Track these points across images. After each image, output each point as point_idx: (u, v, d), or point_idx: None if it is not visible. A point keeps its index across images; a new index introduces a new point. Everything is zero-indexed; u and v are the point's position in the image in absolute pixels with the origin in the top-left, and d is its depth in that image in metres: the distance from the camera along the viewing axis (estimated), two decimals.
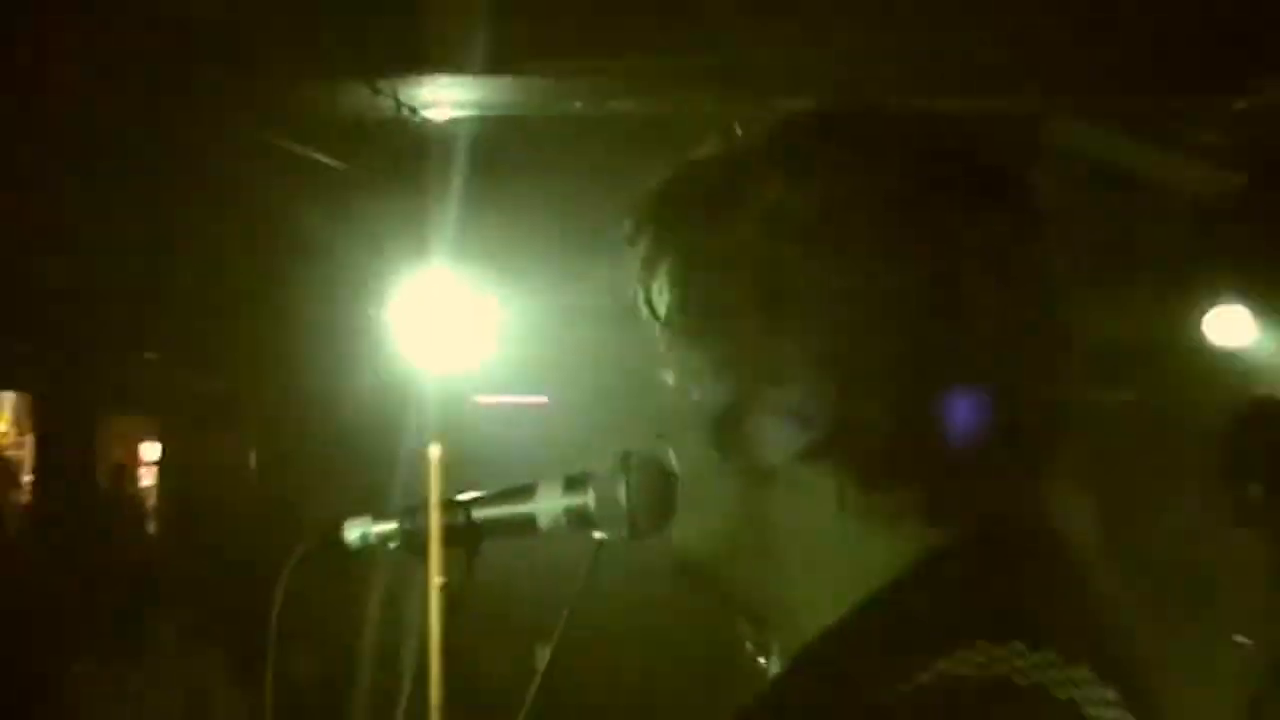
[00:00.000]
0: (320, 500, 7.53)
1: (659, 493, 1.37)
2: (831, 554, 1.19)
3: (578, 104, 5.72)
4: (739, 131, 1.26)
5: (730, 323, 1.19)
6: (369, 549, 1.62)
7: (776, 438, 1.18)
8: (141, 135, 5.77)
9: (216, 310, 7.34)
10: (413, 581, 1.61)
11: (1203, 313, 6.79)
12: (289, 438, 7.74)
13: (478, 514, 1.57)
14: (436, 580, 1.62)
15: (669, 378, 1.27)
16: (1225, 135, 5.06)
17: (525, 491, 1.54)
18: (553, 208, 6.53)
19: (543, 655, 1.57)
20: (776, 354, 1.17)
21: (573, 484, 1.51)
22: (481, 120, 5.75)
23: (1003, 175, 1.20)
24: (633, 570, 1.66)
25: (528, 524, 1.54)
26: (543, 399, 9.10)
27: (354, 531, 1.61)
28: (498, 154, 5.77)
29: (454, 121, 5.71)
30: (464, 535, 1.58)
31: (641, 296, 1.26)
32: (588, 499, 1.50)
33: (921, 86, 4.95)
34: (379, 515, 1.61)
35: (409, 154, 5.83)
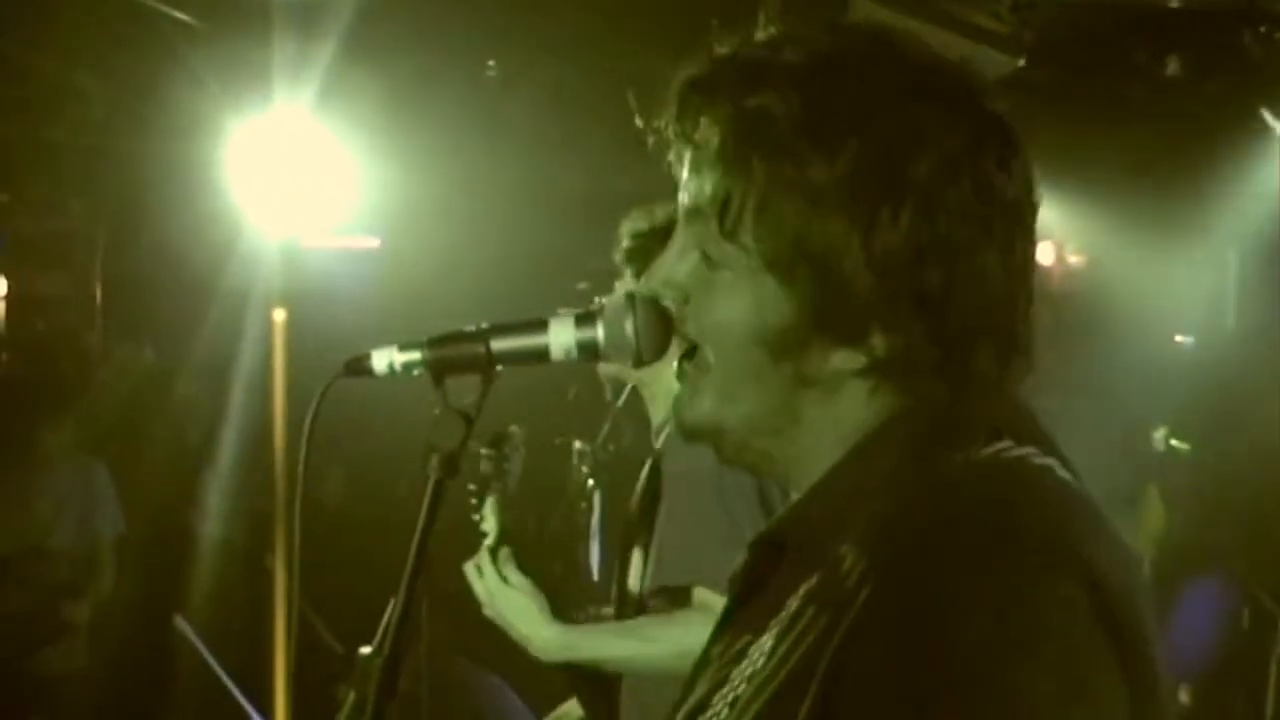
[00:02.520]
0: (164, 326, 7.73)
1: (660, 328, 1.51)
2: (844, 435, 1.34)
3: None
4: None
5: (816, 259, 1.28)
6: (394, 375, 1.68)
7: (838, 355, 1.30)
8: None
9: (62, 152, 7.40)
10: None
11: None
12: (133, 275, 7.89)
13: (495, 345, 1.64)
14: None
15: (711, 261, 1.35)
16: (1004, 23, 5.55)
17: (538, 325, 1.64)
18: (394, 61, 6.73)
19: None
20: (855, 293, 1.27)
21: (583, 319, 1.62)
22: None
23: (1014, 139, 1.31)
24: None
25: (541, 354, 1.64)
26: (375, 242, 9.10)
27: (381, 359, 1.68)
28: (351, 17, 5.91)
29: None
30: (481, 363, 1.65)
31: (706, 190, 1.33)
32: (597, 332, 1.61)
33: None
34: (404, 345, 1.67)
35: (260, 13, 5.96)
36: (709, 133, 1.33)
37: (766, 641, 1.28)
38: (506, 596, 2.99)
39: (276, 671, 5.39)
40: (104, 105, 7.10)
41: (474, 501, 3.10)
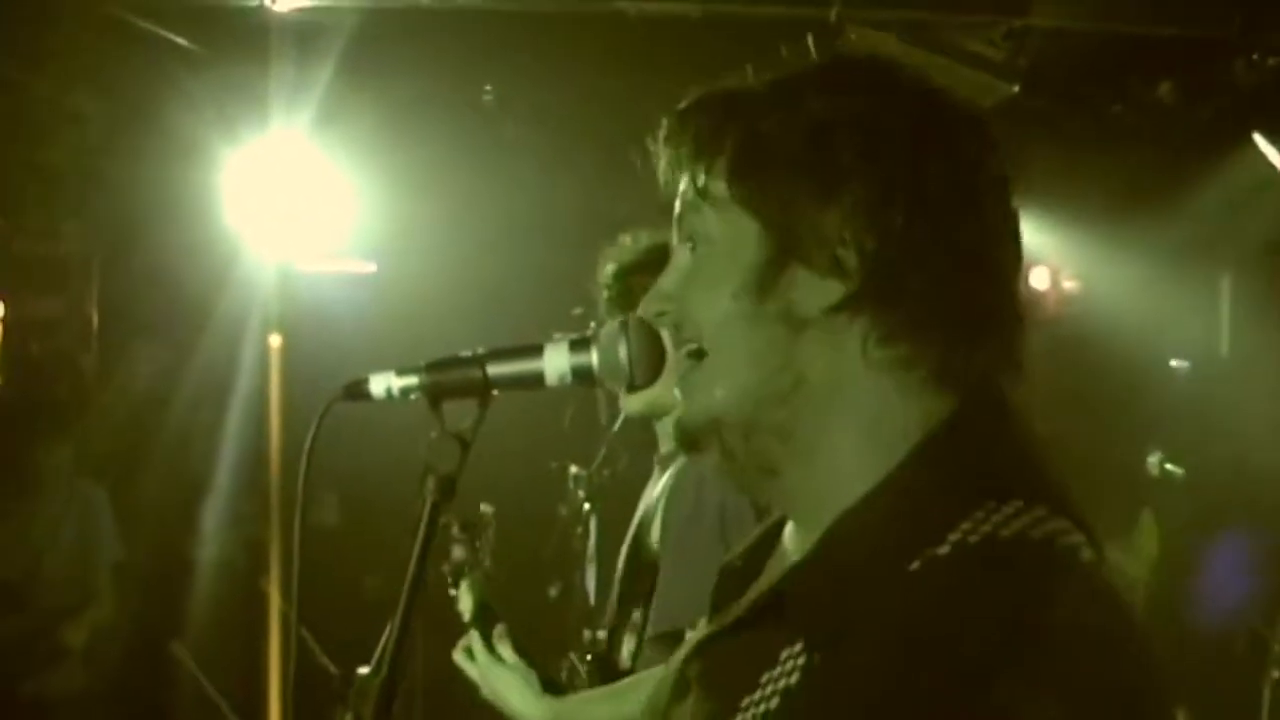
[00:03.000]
0: (159, 351, 7.73)
1: (653, 352, 1.56)
2: (851, 401, 1.33)
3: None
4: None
5: (787, 190, 1.32)
6: (391, 400, 1.70)
7: (818, 287, 1.32)
8: None
9: (58, 175, 7.41)
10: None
11: None
12: (129, 299, 7.89)
13: (491, 370, 1.66)
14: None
15: (696, 241, 1.39)
16: (998, 49, 5.59)
17: (533, 350, 1.67)
18: (390, 86, 6.75)
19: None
20: (823, 217, 1.31)
21: (578, 345, 1.65)
22: (331, 11, 5.89)
23: (975, 115, 1.39)
24: None
25: (536, 379, 1.66)
26: (371, 267, 9.00)
27: (379, 384, 1.70)
28: (348, 43, 5.93)
29: (304, 10, 5.84)
30: (477, 387, 1.66)
31: (686, 167, 1.38)
32: (591, 357, 1.64)
33: None
34: (402, 370, 1.69)
35: (257, 38, 5.98)
36: (690, 133, 1.39)
37: (760, 702, 1.27)
38: (498, 675, 3.02)
39: (271, 695, 5.38)
40: (100, 129, 7.10)
41: (450, 582, 3.14)
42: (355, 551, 6.27)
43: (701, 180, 1.36)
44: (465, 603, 3.10)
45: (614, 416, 5.21)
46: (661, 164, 1.42)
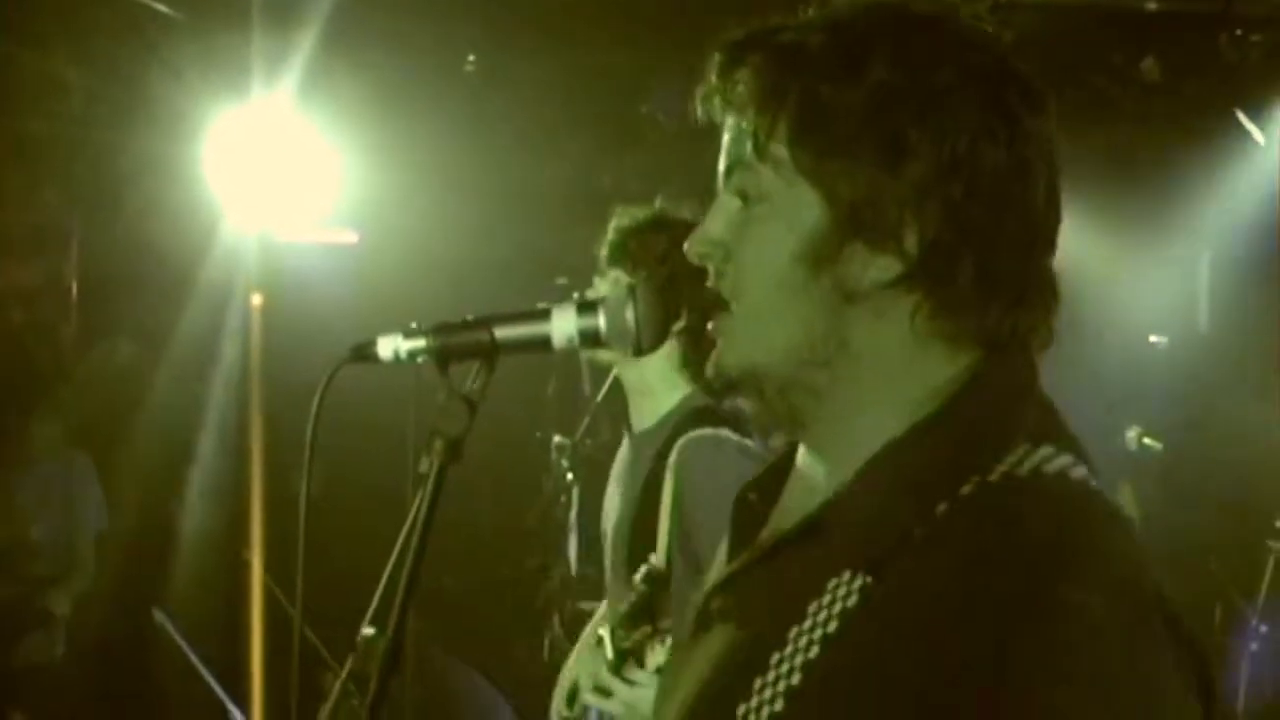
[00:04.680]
0: (138, 319, 7.71)
1: (660, 317, 1.58)
2: (893, 369, 1.35)
3: None
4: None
5: (850, 163, 1.31)
6: (399, 362, 1.69)
7: (874, 263, 1.33)
8: None
9: (39, 144, 7.37)
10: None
11: None
12: (109, 268, 7.87)
13: (499, 332, 1.66)
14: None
15: (750, 198, 1.38)
16: (983, 24, 5.58)
17: (541, 314, 1.66)
18: (374, 54, 6.73)
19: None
20: (885, 194, 1.31)
21: (585, 308, 1.65)
22: None
23: (1032, 80, 1.37)
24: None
25: (544, 342, 1.67)
26: (353, 236, 8.85)
27: (386, 346, 1.69)
28: (330, 10, 5.92)
29: None
30: (485, 350, 1.66)
31: (747, 126, 1.37)
32: (599, 321, 1.65)
33: None
34: (409, 332, 1.67)
35: (239, 6, 5.96)
36: (746, 80, 1.37)
37: (814, 629, 1.28)
38: (642, 698, 2.93)
39: (254, 661, 5.39)
40: (82, 97, 7.07)
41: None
42: (339, 521, 6.27)
43: (761, 139, 1.35)
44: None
45: (597, 386, 5.22)
46: (705, 95, 1.41)
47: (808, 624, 1.28)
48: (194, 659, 4.47)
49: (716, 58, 1.39)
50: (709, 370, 1.43)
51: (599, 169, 7.61)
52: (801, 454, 1.45)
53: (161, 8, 6.15)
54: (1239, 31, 6.02)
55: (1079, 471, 1.31)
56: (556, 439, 6.63)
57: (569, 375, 7.14)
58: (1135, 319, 8.24)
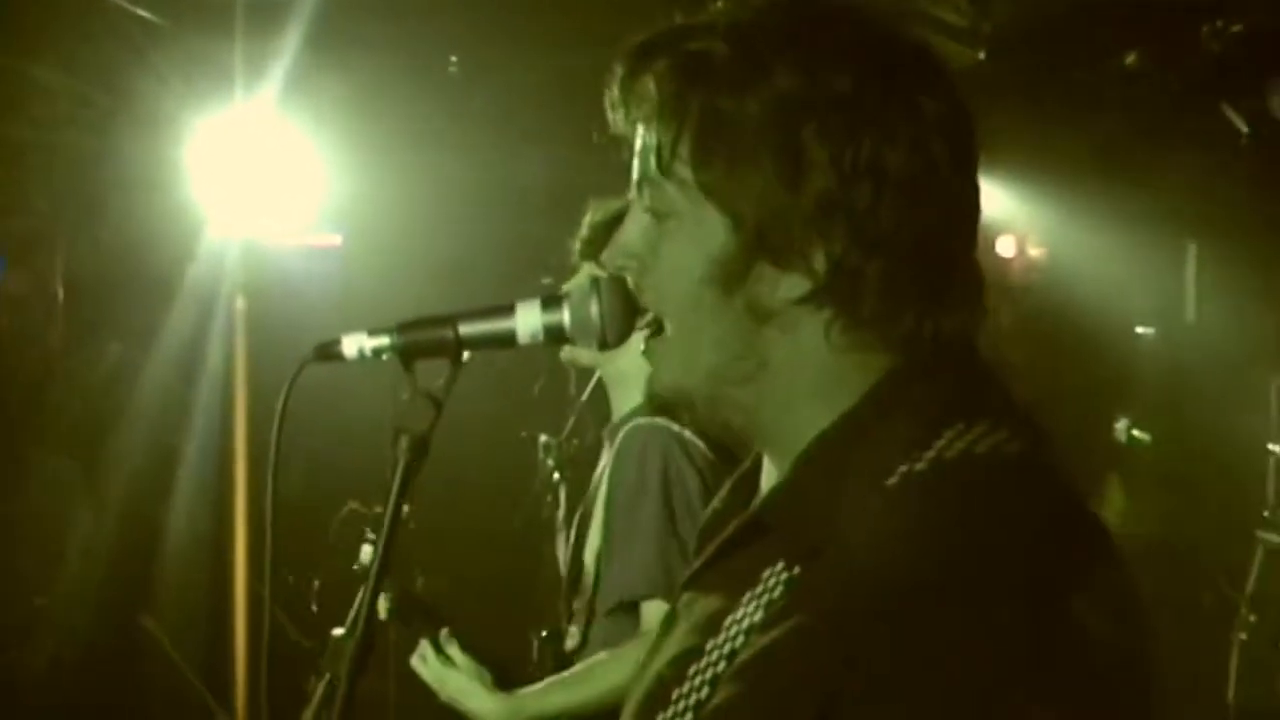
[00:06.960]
0: (123, 324, 7.69)
1: (625, 311, 1.54)
2: (815, 381, 1.35)
3: None
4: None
5: (751, 182, 1.30)
6: (363, 360, 1.68)
7: (783, 281, 1.32)
8: None
9: (22, 149, 7.36)
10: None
11: None
12: (94, 273, 7.84)
13: (463, 329, 1.64)
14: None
15: (659, 214, 1.37)
16: (963, 15, 5.59)
17: (505, 310, 1.64)
18: (356, 58, 6.72)
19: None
20: (789, 212, 1.30)
21: (549, 303, 1.62)
22: None
23: (939, 67, 1.35)
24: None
25: (508, 338, 1.64)
26: (337, 239, 8.89)
27: (351, 344, 1.67)
28: (313, 14, 5.92)
29: None
30: (450, 347, 1.64)
31: (651, 142, 1.35)
32: (563, 315, 1.61)
33: None
34: (374, 330, 1.66)
35: (222, 10, 5.95)
36: (651, 89, 1.35)
37: (743, 618, 1.29)
38: (451, 679, 3.04)
39: (238, 665, 5.38)
40: (67, 102, 7.05)
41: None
42: (321, 519, 6.25)
43: (665, 157, 1.34)
44: (381, 605, 3.09)
45: (583, 385, 5.22)
46: (610, 106, 1.39)
47: (740, 614, 1.30)
48: (180, 663, 4.47)
49: (618, 66, 1.37)
50: (645, 390, 1.45)
51: (582, 169, 7.59)
52: (766, 467, 1.46)
53: (145, 14, 6.13)
54: (1220, 22, 6.02)
55: (1013, 447, 1.29)
56: (543, 438, 6.62)
57: (556, 374, 7.12)
58: (1123, 310, 8.26)
